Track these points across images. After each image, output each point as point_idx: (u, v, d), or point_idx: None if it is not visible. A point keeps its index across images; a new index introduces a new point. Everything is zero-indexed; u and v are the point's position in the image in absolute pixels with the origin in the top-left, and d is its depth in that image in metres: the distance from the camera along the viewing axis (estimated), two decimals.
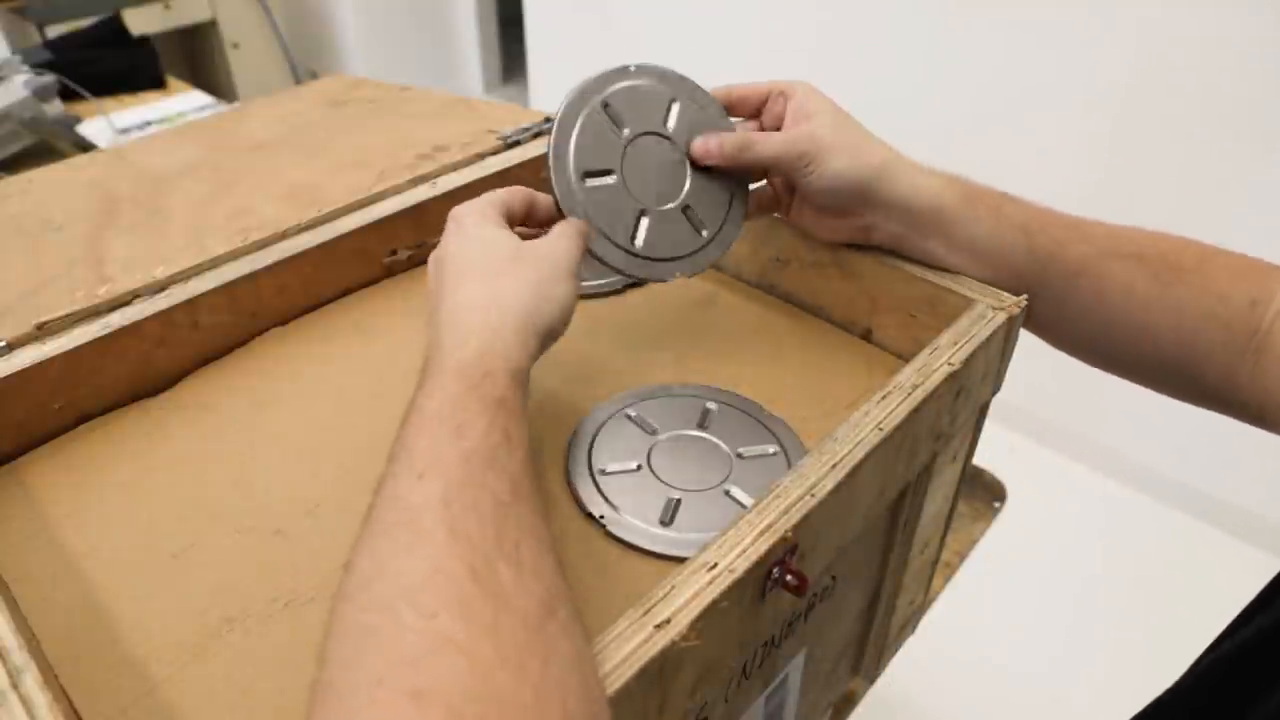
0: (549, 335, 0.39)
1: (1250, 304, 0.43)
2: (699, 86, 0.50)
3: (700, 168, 0.49)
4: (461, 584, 0.26)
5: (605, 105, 0.47)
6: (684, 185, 0.49)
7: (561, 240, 0.41)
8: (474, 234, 0.40)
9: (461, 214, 0.41)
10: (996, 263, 0.48)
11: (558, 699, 0.24)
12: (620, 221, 0.46)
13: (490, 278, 0.38)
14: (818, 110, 0.47)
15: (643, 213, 0.47)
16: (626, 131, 0.47)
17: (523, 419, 0.34)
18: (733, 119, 0.51)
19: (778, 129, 0.49)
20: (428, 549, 0.27)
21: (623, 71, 0.48)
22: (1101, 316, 0.46)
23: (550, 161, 0.45)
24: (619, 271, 0.47)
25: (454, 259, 0.40)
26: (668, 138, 0.48)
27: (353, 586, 0.27)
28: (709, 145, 0.48)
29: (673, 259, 0.48)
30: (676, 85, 0.49)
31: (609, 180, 0.46)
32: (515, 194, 0.44)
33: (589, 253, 0.45)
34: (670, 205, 0.48)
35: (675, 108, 0.49)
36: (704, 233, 0.49)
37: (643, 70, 0.48)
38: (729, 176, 0.50)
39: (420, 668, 0.24)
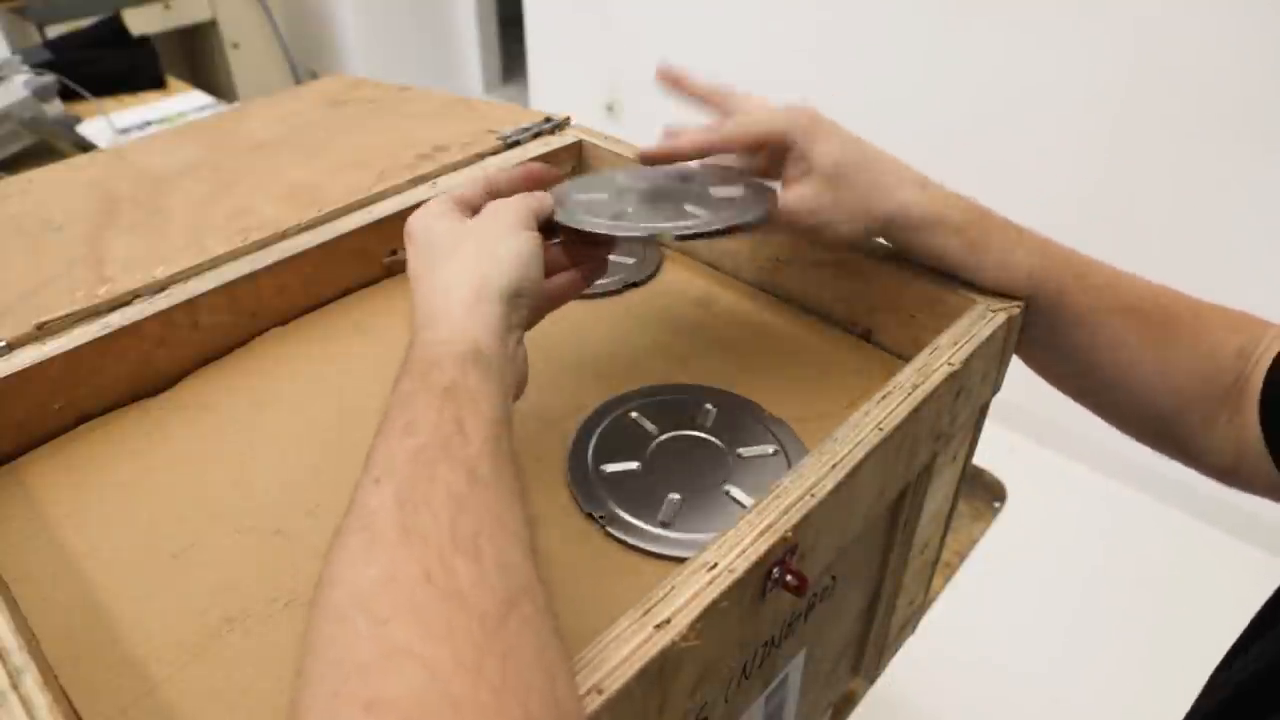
0: (513, 294, 0.37)
1: (1237, 353, 0.44)
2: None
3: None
4: (414, 588, 0.25)
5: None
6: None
7: (504, 202, 0.40)
8: (421, 239, 0.40)
9: (410, 225, 0.40)
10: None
11: (518, 699, 0.24)
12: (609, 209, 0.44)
13: (435, 270, 0.38)
14: (818, 162, 0.45)
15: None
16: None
17: (481, 401, 0.32)
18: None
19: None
20: (381, 554, 0.27)
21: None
22: (1090, 362, 0.48)
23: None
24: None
25: (411, 269, 0.39)
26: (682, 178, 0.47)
27: (319, 596, 0.27)
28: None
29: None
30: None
31: (601, 195, 0.46)
32: (474, 185, 0.43)
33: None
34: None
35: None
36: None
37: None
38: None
39: (373, 677, 0.23)
